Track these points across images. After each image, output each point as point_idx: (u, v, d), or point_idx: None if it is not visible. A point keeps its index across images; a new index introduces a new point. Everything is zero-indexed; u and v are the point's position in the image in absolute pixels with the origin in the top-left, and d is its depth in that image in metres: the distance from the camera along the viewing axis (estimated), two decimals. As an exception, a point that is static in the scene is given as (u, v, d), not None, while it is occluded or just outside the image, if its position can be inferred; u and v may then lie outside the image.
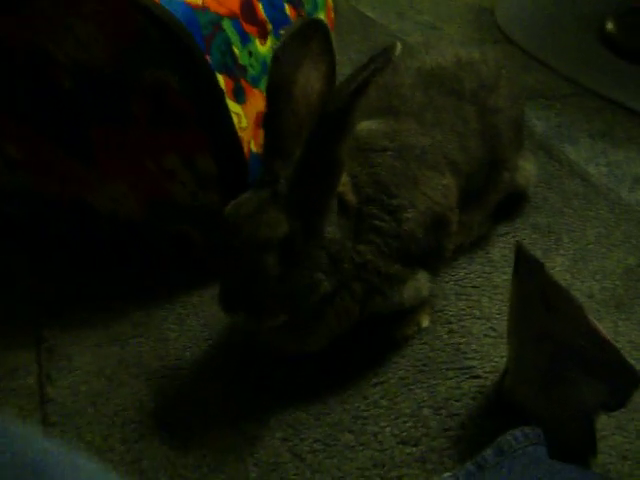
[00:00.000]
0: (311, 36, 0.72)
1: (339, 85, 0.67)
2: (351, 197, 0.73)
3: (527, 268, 0.67)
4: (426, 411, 0.75)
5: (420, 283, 0.79)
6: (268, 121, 0.72)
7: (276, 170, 0.70)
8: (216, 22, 0.85)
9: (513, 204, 1.01)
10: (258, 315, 0.69)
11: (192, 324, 0.88)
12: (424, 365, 0.80)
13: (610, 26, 1.52)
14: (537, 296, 0.66)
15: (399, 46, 0.65)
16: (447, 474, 0.61)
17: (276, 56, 0.72)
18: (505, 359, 0.79)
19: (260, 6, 0.95)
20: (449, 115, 0.85)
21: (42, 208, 1.00)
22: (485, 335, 0.83)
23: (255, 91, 0.91)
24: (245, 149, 0.88)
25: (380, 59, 0.64)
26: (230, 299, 0.69)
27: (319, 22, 0.73)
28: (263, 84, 0.93)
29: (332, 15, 1.24)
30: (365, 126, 0.79)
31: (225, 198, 0.87)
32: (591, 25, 1.57)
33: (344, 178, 0.72)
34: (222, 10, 0.87)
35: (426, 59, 0.89)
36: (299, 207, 0.68)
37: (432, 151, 0.81)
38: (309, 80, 0.72)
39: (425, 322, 0.85)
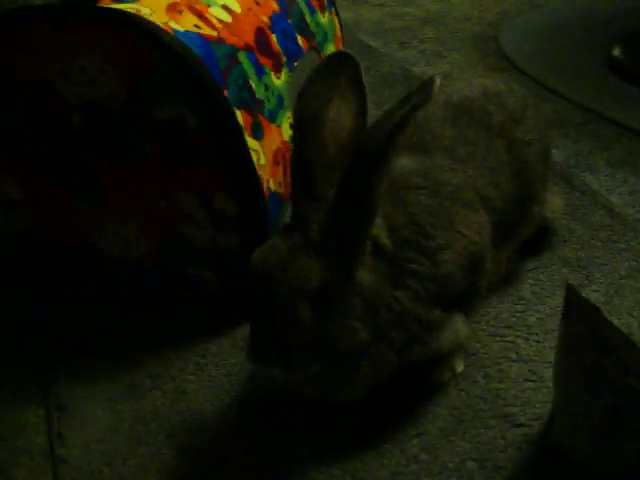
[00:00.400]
0: (340, 70, 0.68)
1: (376, 122, 0.63)
2: (386, 240, 0.69)
3: (579, 311, 0.63)
4: (470, 464, 0.70)
5: (457, 326, 0.75)
6: (296, 161, 0.68)
7: (306, 213, 0.66)
8: (232, 55, 0.81)
9: (540, 238, 0.97)
10: (291, 366, 0.64)
11: (212, 374, 0.82)
12: (463, 414, 0.75)
13: (617, 52, 1.50)
14: (590, 340, 0.61)
15: (438, 80, 0.61)
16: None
17: (303, 91, 0.68)
18: (549, 405, 0.75)
19: (274, 37, 0.92)
20: (479, 149, 0.81)
21: (44, 252, 0.95)
22: (524, 379, 0.79)
23: (272, 126, 0.87)
24: (264, 188, 0.83)
25: (420, 94, 0.60)
26: (261, 350, 0.64)
27: (348, 55, 0.69)
28: (279, 119, 0.89)
29: (341, 46, 1.21)
30: (396, 163, 0.75)
31: (244, 240, 0.84)
32: (597, 51, 1.55)
33: (378, 220, 0.67)
34: (238, 42, 0.83)
35: (452, 91, 0.85)
36: (332, 253, 0.64)
37: (465, 188, 0.77)
38: (339, 116, 0.68)
39: (460, 367, 0.80)
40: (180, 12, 0.77)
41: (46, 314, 0.93)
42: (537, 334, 0.84)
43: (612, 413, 0.61)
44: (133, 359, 0.85)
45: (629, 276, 0.92)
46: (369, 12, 1.92)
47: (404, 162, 0.75)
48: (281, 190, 0.90)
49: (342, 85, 0.68)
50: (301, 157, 0.67)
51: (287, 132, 0.92)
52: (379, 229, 0.68)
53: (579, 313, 0.63)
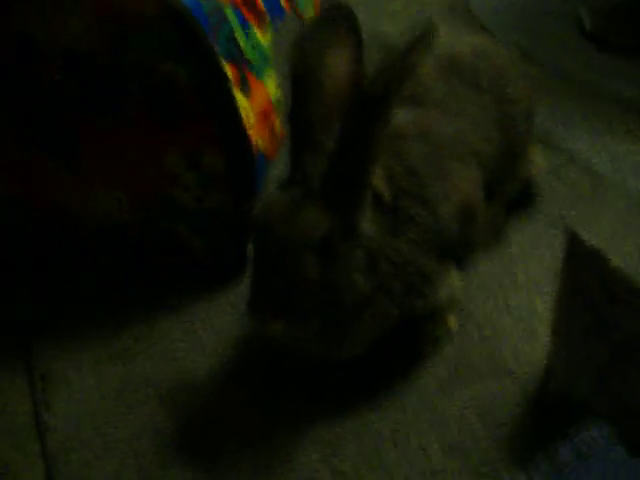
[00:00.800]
0: (336, 20, 0.66)
1: (377, 70, 0.61)
2: (385, 191, 0.67)
3: (583, 258, 0.63)
4: (471, 417, 0.70)
5: (453, 279, 0.74)
6: (294, 112, 0.66)
7: (306, 165, 0.64)
8: (220, 10, 0.78)
9: (524, 196, 0.97)
10: (294, 320, 0.63)
11: (202, 335, 0.81)
12: (460, 369, 0.75)
13: (589, 19, 1.51)
14: (597, 287, 0.61)
15: (439, 29, 0.60)
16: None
17: (299, 40, 0.66)
18: (544, 358, 0.75)
19: (259, -5, 0.89)
20: (471, 105, 0.81)
21: (20, 219, 0.91)
22: (518, 334, 0.79)
23: (259, 83, 0.85)
24: (252, 146, 0.81)
25: (421, 44, 0.60)
26: (264, 305, 0.63)
27: (344, 6, 0.67)
28: (265, 78, 0.87)
29: (319, 3, 1.19)
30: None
31: (231, 200, 0.82)
32: (570, 21, 1.55)
33: (377, 171, 0.66)
34: (224, -3, 0.80)
35: (441, 47, 0.84)
36: (335, 203, 0.62)
37: (458, 141, 0.77)
38: (336, 65, 0.66)
39: (454, 323, 0.80)
40: (166, -35, 0.74)
41: (26, 282, 0.89)
42: (528, 290, 0.84)
43: (618, 356, 0.61)
44: (118, 323, 0.82)
45: (612, 232, 0.93)
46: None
47: (400, 114, 0.74)
48: (268, 151, 0.88)
49: (339, 34, 0.66)
50: (299, 107, 0.66)
51: (273, 92, 0.89)
52: (378, 180, 0.67)
53: (583, 261, 0.63)
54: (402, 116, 0.74)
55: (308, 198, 0.62)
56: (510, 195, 0.91)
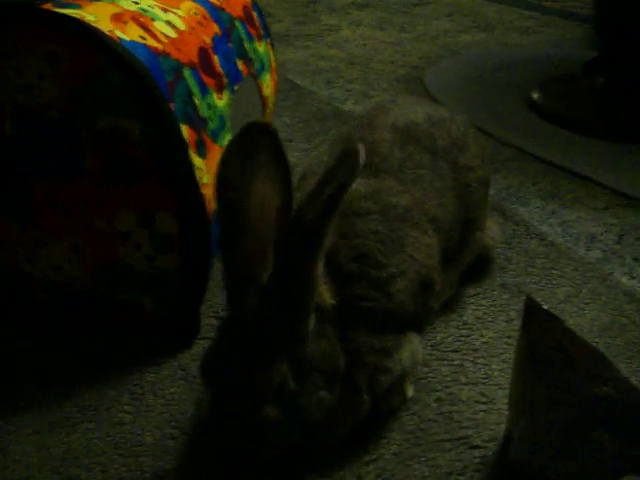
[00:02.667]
0: (259, 144, 0.62)
1: (302, 207, 0.59)
2: (327, 298, 0.66)
3: (540, 322, 0.63)
4: (430, 488, 0.68)
5: (414, 345, 0.73)
6: (226, 246, 0.64)
7: (245, 303, 0.62)
8: (178, 69, 0.79)
9: (479, 265, 0.98)
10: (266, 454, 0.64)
11: (150, 403, 0.77)
12: (417, 437, 0.73)
13: (536, 95, 1.57)
14: (553, 351, 0.61)
15: (362, 151, 0.58)
16: None
17: (223, 173, 0.63)
18: (503, 426, 0.74)
19: (216, 58, 0.90)
20: (426, 172, 0.81)
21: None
22: (476, 402, 0.77)
23: (215, 146, 0.84)
24: (207, 208, 0.80)
25: (343, 171, 0.58)
26: (235, 451, 0.63)
27: (264, 126, 0.63)
28: (221, 140, 0.87)
29: (276, 77, 1.20)
30: None
31: (184, 262, 0.80)
32: (517, 94, 1.61)
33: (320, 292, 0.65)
34: (182, 58, 0.81)
35: (398, 116, 0.85)
36: (280, 341, 0.61)
37: (414, 209, 0.77)
38: (264, 195, 0.63)
39: (410, 391, 0.78)
40: (125, 23, 0.74)
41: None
42: (484, 357, 0.84)
43: (576, 426, 0.60)
44: (62, 390, 0.79)
45: (566, 301, 0.94)
46: (294, 53, 1.93)
47: (353, 186, 0.73)
48: (223, 212, 0.87)
49: (263, 161, 0.63)
50: (231, 243, 0.64)
51: (229, 154, 0.89)
52: (320, 288, 0.65)
53: (540, 325, 0.62)
54: (356, 188, 0.73)
55: (254, 347, 0.61)
56: (465, 262, 0.91)
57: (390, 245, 0.72)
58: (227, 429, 0.62)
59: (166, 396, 0.78)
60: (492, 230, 0.98)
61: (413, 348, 0.73)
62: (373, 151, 0.79)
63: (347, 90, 1.65)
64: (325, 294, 0.66)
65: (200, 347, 0.84)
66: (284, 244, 0.60)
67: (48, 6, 0.71)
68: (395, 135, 0.83)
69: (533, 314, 0.64)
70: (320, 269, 0.62)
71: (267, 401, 0.60)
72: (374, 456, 0.71)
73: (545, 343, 0.62)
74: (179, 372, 0.81)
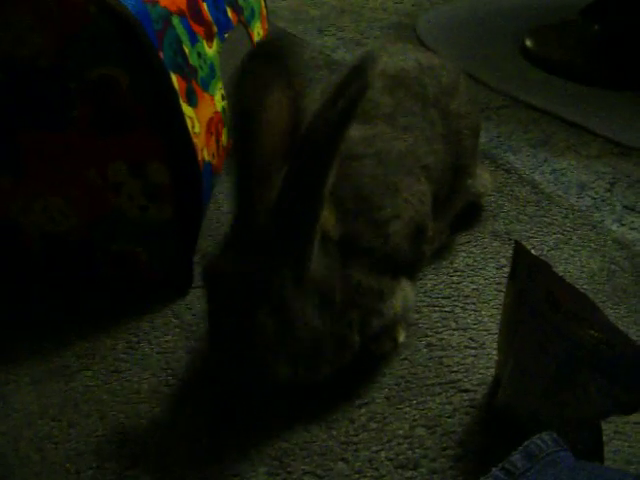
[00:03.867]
0: (277, 57, 0.63)
1: (317, 115, 0.59)
2: (332, 228, 0.67)
3: (528, 268, 0.63)
4: (420, 430, 0.69)
5: (406, 292, 0.75)
6: (240, 149, 0.64)
7: (255, 211, 0.63)
8: (166, 17, 0.78)
9: (470, 213, 0.99)
10: (263, 374, 0.65)
11: (146, 352, 0.78)
12: (408, 382, 0.75)
13: (529, 42, 1.55)
14: (541, 296, 0.62)
15: (376, 59, 0.59)
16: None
17: (240, 79, 0.63)
18: (492, 370, 0.75)
19: (205, 6, 0.89)
20: (417, 119, 0.81)
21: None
22: (466, 347, 0.79)
23: (205, 95, 0.84)
24: (198, 157, 0.80)
25: (358, 80, 0.58)
26: (231, 366, 0.65)
27: (283, 42, 0.65)
28: (212, 88, 0.86)
29: (266, 25, 1.19)
30: None
31: (176, 211, 0.80)
32: (510, 41, 1.59)
33: (325, 217, 0.66)
34: (171, 6, 0.80)
35: (388, 63, 0.85)
36: (284, 254, 0.62)
37: (407, 155, 0.77)
38: (279, 106, 0.63)
39: (402, 337, 0.79)
40: (112, -30, 0.73)
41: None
42: (474, 303, 0.85)
43: (562, 369, 0.61)
44: (59, 339, 0.80)
45: (557, 248, 0.95)
46: (285, 0, 1.90)
47: (354, 132, 0.73)
48: (214, 161, 0.87)
49: (280, 73, 0.63)
50: (244, 146, 0.63)
51: (220, 102, 0.89)
52: (326, 211, 0.65)
53: (529, 270, 0.63)
54: (352, 133, 0.73)
55: (257, 253, 0.61)
56: (456, 210, 0.92)
57: (385, 189, 0.72)
58: (224, 342, 0.64)
59: (161, 344, 0.79)
60: (483, 178, 0.98)
61: (405, 294, 0.74)
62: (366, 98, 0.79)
63: (339, 38, 1.63)
64: (330, 221, 0.67)
65: (194, 296, 0.85)
66: (296, 155, 0.60)
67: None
68: (385, 81, 0.82)
69: (522, 260, 0.64)
70: (329, 187, 0.62)
71: (264, 306, 0.61)
72: (366, 400, 0.73)
73: (533, 288, 0.63)
74: (173, 320, 0.82)
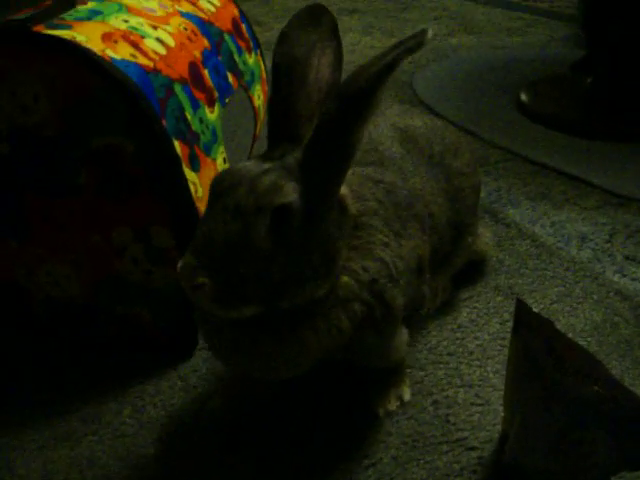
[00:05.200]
0: (320, 19, 0.67)
1: (366, 63, 0.59)
2: (351, 204, 0.67)
3: (530, 325, 0.64)
4: (428, 491, 0.69)
5: (403, 337, 0.75)
6: (277, 103, 0.65)
7: (284, 152, 0.62)
8: (169, 85, 0.80)
9: (472, 268, 0.99)
10: (230, 294, 0.57)
11: (152, 415, 0.78)
12: (415, 441, 0.74)
13: (524, 96, 1.58)
14: (544, 353, 0.62)
15: (431, 31, 0.59)
16: None
17: (285, 34, 0.66)
18: (498, 427, 0.75)
19: (206, 72, 0.91)
20: (424, 170, 0.83)
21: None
22: (472, 404, 0.79)
23: (208, 160, 0.86)
24: (202, 219, 0.81)
25: (411, 40, 0.58)
26: (196, 271, 0.57)
27: (325, 9, 0.68)
28: (214, 153, 0.88)
29: (266, 88, 1.22)
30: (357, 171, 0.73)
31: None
32: (506, 96, 1.62)
33: (344, 189, 0.66)
34: (173, 74, 0.82)
35: (396, 119, 0.87)
36: (305, 186, 0.60)
37: (415, 199, 0.77)
38: (320, 64, 0.66)
39: (407, 395, 0.79)
40: (116, 42, 0.76)
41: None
42: (479, 359, 0.85)
43: (568, 425, 0.61)
44: (65, 404, 0.80)
45: (559, 301, 0.95)
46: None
47: (362, 172, 0.74)
48: (218, 224, 0.88)
49: (322, 35, 0.66)
50: (283, 99, 0.64)
51: (221, 166, 0.90)
52: (345, 192, 0.66)
53: (531, 327, 0.64)
54: (365, 172, 0.74)
55: (280, 170, 0.60)
56: (457, 267, 0.92)
57: (396, 219, 0.72)
58: (203, 246, 0.58)
59: (167, 407, 0.79)
60: (484, 236, 0.99)
61: (403, 339, 0.75)
62: (376, 144, 0.80)
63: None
64: (350, 200, 0.67)
65: (199, 358, 0.86)
66: (334, 101, 0.59)
67: (40, 27, 0.72)
68: (395, 133, 0.84)
69: (524, 317, 0.65)
70: (362, 138, 0.61)
71: (266, 215, 0.57)
72: (373, 460, 0.72)
73: (536, 345, 0.63)
74: (179, 383, 0.83)
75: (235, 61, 1.05)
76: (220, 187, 0.60)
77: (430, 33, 0.58)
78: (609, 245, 1.08)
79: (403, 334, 0.75)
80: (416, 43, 0.58)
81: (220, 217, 0.58)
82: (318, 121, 0.61)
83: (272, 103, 0.66)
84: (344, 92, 0.59)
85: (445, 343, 0.88)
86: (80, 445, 0.75)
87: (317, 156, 0.61)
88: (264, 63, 1.23)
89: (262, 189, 0.58)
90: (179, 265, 0.58)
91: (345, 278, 0.64)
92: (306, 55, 0.65)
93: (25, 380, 0.84)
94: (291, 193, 0.58)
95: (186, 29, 0.92)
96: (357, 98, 0.58)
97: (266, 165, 0.61)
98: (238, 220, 0.57)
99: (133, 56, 0.76)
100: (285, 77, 0.65)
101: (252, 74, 1.12)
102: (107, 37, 0.76)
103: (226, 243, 0.57)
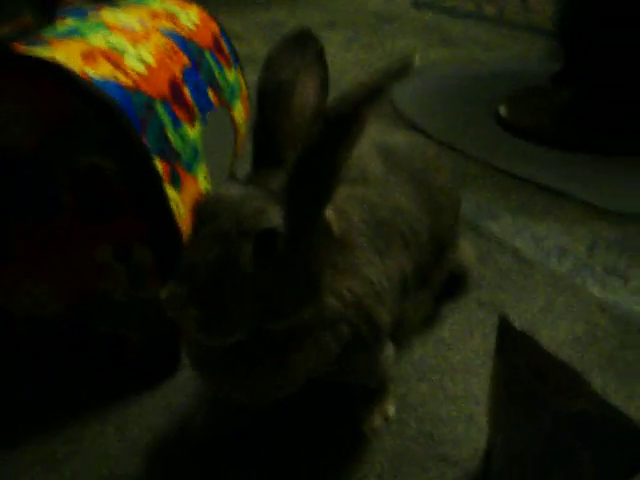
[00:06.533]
0: (306, 44, 0.67)
1: (352, 89, 0.59)
2: (336, 224, 0.67)
3: (513, 342, 0.64)
4: (413, 508, 0.69)
5: (389, 353, 0.75)
6: (262, 127, 0.65)
7: (267, 177, 0.62)
8: (149, 104, 0.80)
9: (454, 282, 1.00)
10: (217, 322, 0.56)
11: (135, 435, 0.78)
12: (400, 457, 0.74)
13: (503, 110, 1.60)
14: (527, 369, 0.63)
15: (417, 56, 0.59)
16: None
17: (271, 59, 0.66)
18: (483, 441, 0.75)
19: (187, 90, 0.91)
20: (406, 188, 0.83)
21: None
22: (456, 419, 0.79)
23: (189, 177, 0.85)
24: (183, 240, 0.81)
25: (398, 66, 0.58)
26: (184, 296, 0.56)
27: (311, 32, 0.68)
28: (195, 170, 0.88)
29: (247, 104, 1.22)
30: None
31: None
32: (484, 110, 1.64)
33: (328, 210, 0.65)
34: (154, 92, 0.82)
35: (375, 135, 0.87)
36: (290, 210, 0.60)
37: (398, 215, 0.77)
38: (305, 90, 0.66)
39: (391, 411, 0.79)
40: (95, 60, 0.75)
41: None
42: (462, 374, 0.85)
43: (551, 441, 0.62)
44: (47, 424, 0.79)
45: (540, 314, 0.96)
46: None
47: (345, 190, 0.74)
48: (200, 242, 0.88)
49: (308, 60, 0.67)
50: (266, 123, 0.64)
51: (203, 184, 0.90)
52: (330, 216, 0.66)
53: (513, 343, 0.64)
54: (349, 192, 0.74)
55: (264, 194, 0.60)
56: (439, 282, 0.92)
57: (380, 237, 0.73)
58: (188, 273, 0.56)
59: (151, 428, 0.79)
60: (466, 249, 1.00)
61: (390, 355, 0.75)
62: (357, 161, 0.80)
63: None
64: (335, 224, 0.67)
65: (182, 377, 0.85)
66: (319, 125, 0.59)
67: (18, 45, 0.71)
68: (376, 150, 0.84)
69: (507, 333, 0.65)
70: (348, 160, 0.61)
71: (250, 240, 0.57)
72: (358, 477, 0.72)
73: (518, 361, 0.63)
74: (162, 402, 0.82)
75: (216, 77, 1.05)
76: (204, 213, 0.59)
77: (417, 58, 0.58)
78: (589, 258, 1.09)
79: (389, 349, 0.75)
80: (403, 68, 0.58)
81: (204, 244, 0.57)
82: (303, 146, 0.60)
83: (257, 127, 0.66)
84: (329, 118, 0.59)
85: (428, 358, 0.88)
86: (61, 465, 0.74)
87: (302, 180, 0.61)
88: (244, 78, 1.23)
89: (246, 214, 0.58)
90: (164, 295, 0.57)
91: (331, 299, 0.64)
92: (291, 80, 0.66)
93: (5, 400, 0.83)
94: (275, 217, 0.58)
95: (166, 46, 0.92)
96: (342, 124, 0.58)
97: (250, 190, 0.60)
98: (222, 246, 0.57)
99: (113, 75, 0.76)
100: (270, 102, 0.65)
101: (232, 90, 1.12)
102: (87, 55, 0.75)
103: (210, 270, 0.56)
